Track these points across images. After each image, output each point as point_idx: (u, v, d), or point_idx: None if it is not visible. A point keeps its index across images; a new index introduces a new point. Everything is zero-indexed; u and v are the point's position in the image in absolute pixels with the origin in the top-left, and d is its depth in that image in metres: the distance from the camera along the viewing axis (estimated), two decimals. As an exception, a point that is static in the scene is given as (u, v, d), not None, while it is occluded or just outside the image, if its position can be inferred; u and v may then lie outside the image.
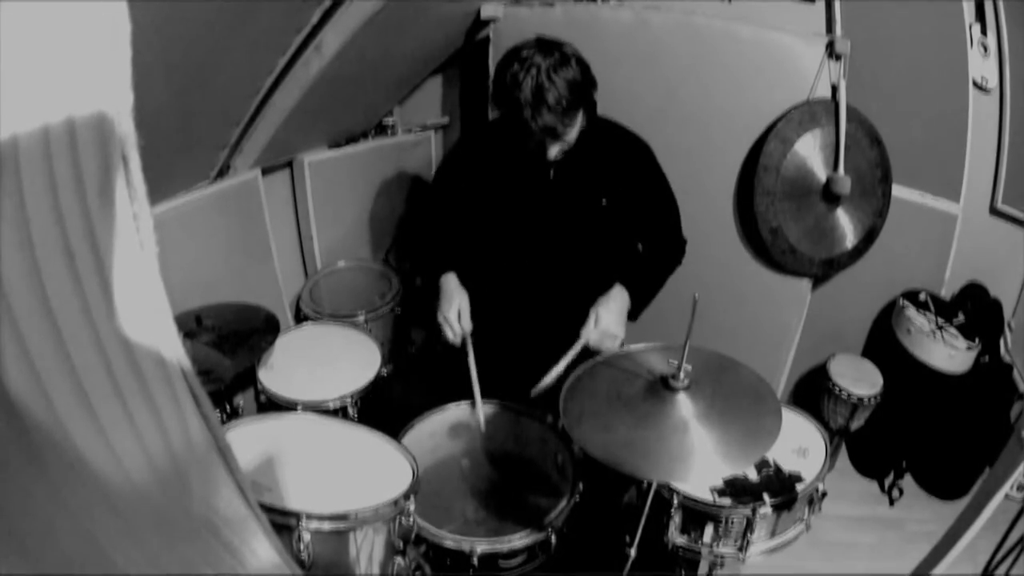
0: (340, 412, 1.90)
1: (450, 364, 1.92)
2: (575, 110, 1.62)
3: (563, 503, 1.56)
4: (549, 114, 1.56)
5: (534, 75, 1.55)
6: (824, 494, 1.57)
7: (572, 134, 1.67)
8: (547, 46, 1.60)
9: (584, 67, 1.64)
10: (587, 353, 1.63)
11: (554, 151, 1.67)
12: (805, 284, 2.49)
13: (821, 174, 2.30)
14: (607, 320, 1.68)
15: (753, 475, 1.58)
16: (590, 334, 1.66)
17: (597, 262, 1.88)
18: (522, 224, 1.85)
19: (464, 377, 1.82)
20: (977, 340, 2.33)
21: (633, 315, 1.79)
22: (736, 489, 1.54)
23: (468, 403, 1.82)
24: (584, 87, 1.63)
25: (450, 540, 1.46)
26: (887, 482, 2.58)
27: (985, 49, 2.21)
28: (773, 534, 1.57)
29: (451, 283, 1.83)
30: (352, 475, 1.46)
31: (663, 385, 1.36)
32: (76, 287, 0.51)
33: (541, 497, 1.64)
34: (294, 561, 1.10)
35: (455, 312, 1.76)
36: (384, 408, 1.96)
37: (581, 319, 1.71)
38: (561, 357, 1.66)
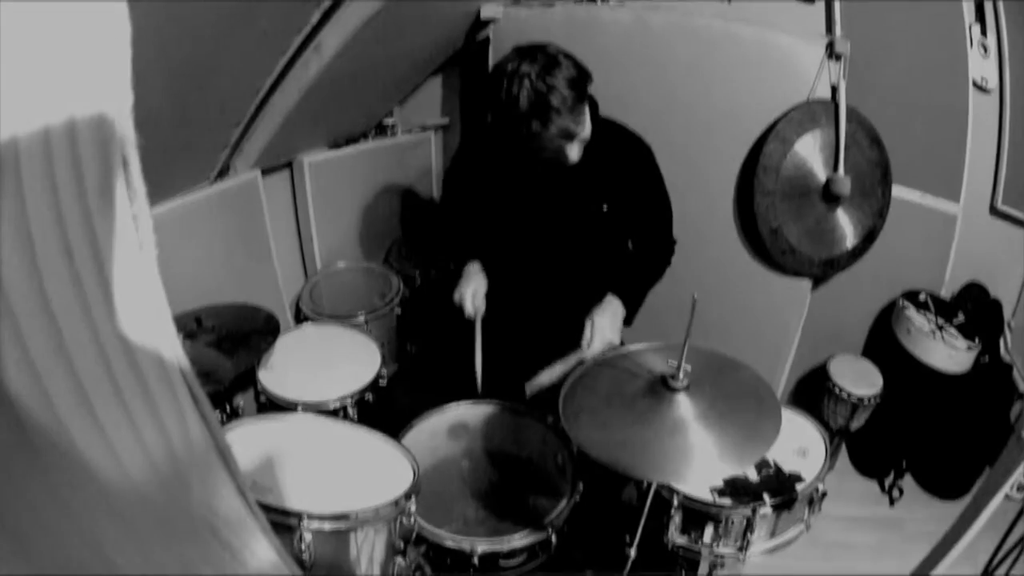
0: (340, 412, 1.90)
1: (450, 364, 1.93)
2: (580, 104, 1.57)
3: (563, 503, 1.56)
4: (559, 117, 1.51)
5: (528, 85, 1.49)
6: (824, 494, 1.57)
7: (586, 129, 1.63)
8: (528, 52, 1.54)
9: (574, 61, 1.58)
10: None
11: (574, 152, 1.63)
12: (805, 284, 2.49)
13: (821, 174, 2.30)
14: (603, 328, 1.69)
15: (753, 475, 1.58)
16: (588, 345, 1.67)
17: (596, 264, 1.88)
18: (524, 227, 1.85)
19: (464, 377, 1.83)
20: (977, 340, 2.33)
21: (627, 320, 1.80)
22: (736, 489, 1.54)
23: (468, 403, 1.82)
24: (581, 80, 1.57)
25: (450, 540, 1.46)
26: (887, 482, 2.58)
27: (985, 49, 2.21)
28: (773, 534, 1.57)
29: (472, 268, 1.88)
30: (353, 475, 1.46)
31: (663, 385, 1.36)
32: (76, 287, 0.51)
33: (541, 497, 1.64)
34: (295, 561, 1.10)
35: (471, 291, 1.80)
36: (384, 408, 1.96)
37: (580, 320, 1.71)
38: (558, 361, 1.65)
